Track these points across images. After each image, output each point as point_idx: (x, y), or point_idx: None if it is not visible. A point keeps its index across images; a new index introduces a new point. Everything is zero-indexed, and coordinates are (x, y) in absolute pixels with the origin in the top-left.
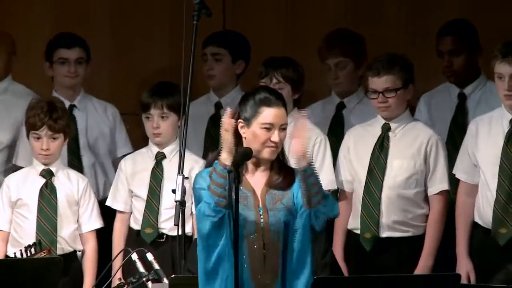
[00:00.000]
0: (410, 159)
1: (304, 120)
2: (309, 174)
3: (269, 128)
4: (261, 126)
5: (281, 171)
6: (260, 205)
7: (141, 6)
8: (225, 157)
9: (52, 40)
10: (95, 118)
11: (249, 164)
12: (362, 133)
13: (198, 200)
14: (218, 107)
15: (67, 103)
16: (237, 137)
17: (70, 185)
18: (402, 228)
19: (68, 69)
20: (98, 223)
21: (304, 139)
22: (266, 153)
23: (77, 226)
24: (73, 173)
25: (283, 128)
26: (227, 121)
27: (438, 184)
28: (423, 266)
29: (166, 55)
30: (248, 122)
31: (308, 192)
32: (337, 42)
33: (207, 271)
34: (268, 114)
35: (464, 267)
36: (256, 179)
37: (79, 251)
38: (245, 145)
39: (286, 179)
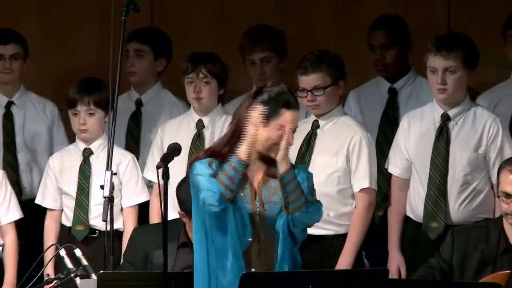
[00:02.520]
0: (333, 156)
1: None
2: (288, 181)
3: (283, 130)
4: (278, 128)
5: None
6: (257, 198)
7: (69, 1)
8: (244, 151)
9: None
10: (33, 115)
11: (253, 158)
12: (299, 129)
13: (196, 187)
14: (139, 104)
15: (5, 100)
16: (240, 130)
17: None
18: (323, 226)
19: (3, 65)
20: (16, 214)
21: (289, 146)
22: (276, 153)
23: None
24: None
25: (294, 130)
26: (256, 117)
27: (360, 181)
28: (342, 263)
29: (95, 51)
30: (266, 121)
31: (285, 198)
32: (261, 36)
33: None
34: (289, 117)
35: (395, 261)
36: (255, 171)
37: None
38: (257, 141)
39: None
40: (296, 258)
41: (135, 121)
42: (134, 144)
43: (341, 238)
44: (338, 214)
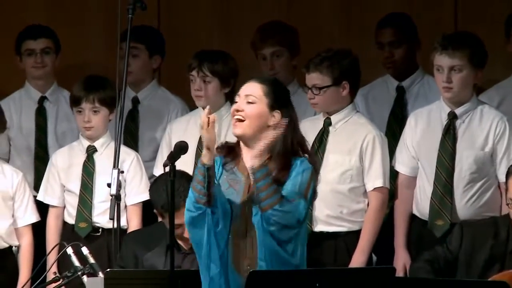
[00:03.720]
0: (346, 154)
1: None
2: (258, 178)
3: (237, 101)
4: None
5: (280, 163)
6: (249, 191)
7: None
8: (205, 154)
9: (20, 33)
10: (65, 112)
11: (242, 146)
12: (309, 127)
13: None
14: (135, 102)
15: (38, 95)
16: None
17: (5, 179)
18: (336, 223)
19: (35, 60)
20: (33, 217)
21: (268, 142)
22: (232, 126)
23: (13, 221)
24: (7, 168)
25: (248, 100)
26: (204, 118)
27: (373, 180)
28: (356, 261)
29: (101, 50)
30: None
31: (257, 196)
32: (272, 32)
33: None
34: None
35: (401, 259)
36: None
37: (15, 246)
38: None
39: (280, 173)
40: (283, 257)
41: (133, 119)
42: (132, 142)
43: (354, 235)
44: (351, 211)
